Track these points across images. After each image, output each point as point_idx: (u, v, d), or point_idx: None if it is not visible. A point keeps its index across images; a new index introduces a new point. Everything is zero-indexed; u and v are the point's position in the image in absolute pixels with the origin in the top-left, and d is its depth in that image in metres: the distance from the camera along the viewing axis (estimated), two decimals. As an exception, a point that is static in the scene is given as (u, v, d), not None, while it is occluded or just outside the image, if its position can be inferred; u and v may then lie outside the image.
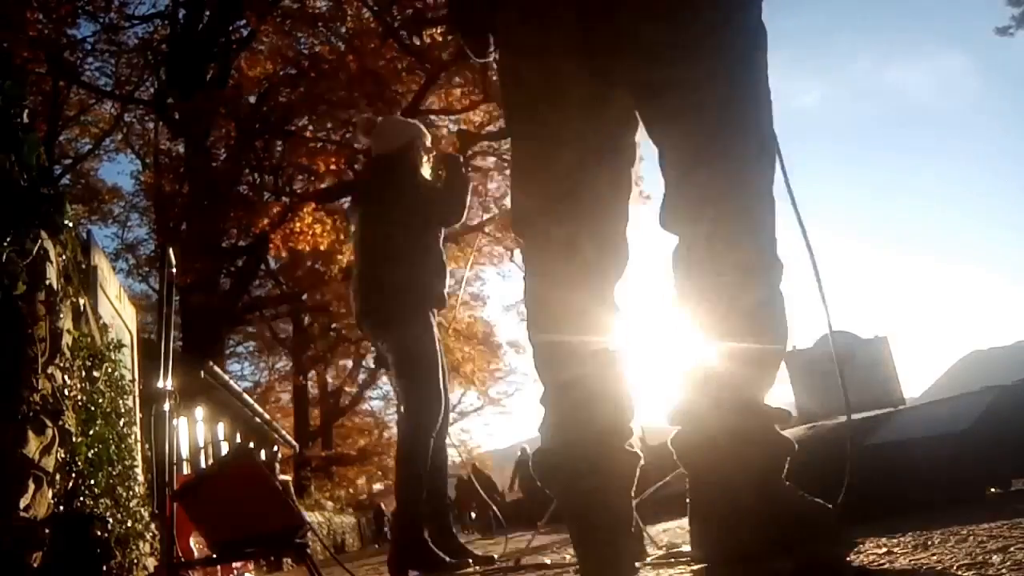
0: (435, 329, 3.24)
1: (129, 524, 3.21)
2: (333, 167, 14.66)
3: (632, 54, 1.39)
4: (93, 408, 3.06)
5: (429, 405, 3.10)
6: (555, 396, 1.43)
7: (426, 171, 3.44)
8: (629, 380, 1.46)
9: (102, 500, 2.91)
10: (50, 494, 2.39)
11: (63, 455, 2.57)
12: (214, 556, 2.89)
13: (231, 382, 11.64)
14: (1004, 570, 0.94)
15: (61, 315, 2.67)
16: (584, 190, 1.44)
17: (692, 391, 1.35)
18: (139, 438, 3.96)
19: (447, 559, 2.98)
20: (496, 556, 3.22)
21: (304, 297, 20.20)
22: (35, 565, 2.21)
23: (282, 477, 10.13)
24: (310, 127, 15.68)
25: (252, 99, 15.58)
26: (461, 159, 3.49)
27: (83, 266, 3.60)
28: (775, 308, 1.34)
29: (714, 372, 1.32)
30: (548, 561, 2.42)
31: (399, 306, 3.16)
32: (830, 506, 1.24)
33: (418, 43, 13.56)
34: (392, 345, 3.19)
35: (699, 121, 1.35)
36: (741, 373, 1.31)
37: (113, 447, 3.20)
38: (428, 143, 3.53)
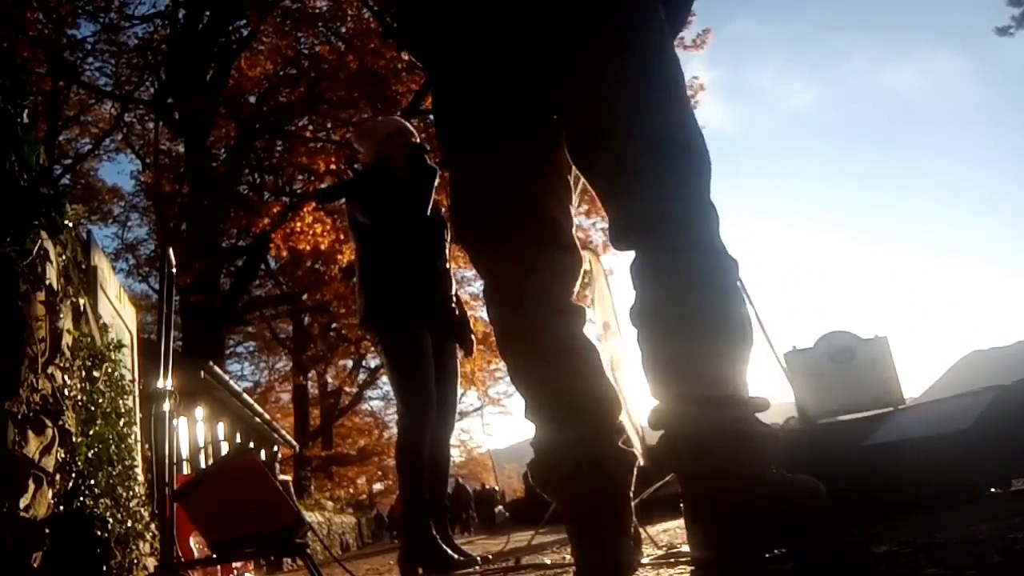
0: (427, 335, 3.23)
1: (129, 524, 3.21)
2: (333, 167, 14.65)
3: (552, 82, 1.42)
4: (93, 408, 3.06)
5: (420, 404, 3.12)
6: (539, 405, 1.44)
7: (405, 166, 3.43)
8: (607, 376, 1.47)
9: (102, 500, 2.91)
10: (50, 494, 2.39)
11: (63, 455, 2.57)
12: (214, 556, 2.90)
13: (231, 382, 11.64)
14: (1004, 570, 0.94)
15: (61, 315, 2.67)
16: (520, 199, 1.46)
17: (668, 394, 1.36)
18: (139, 438, 3.96)
19: (456, 556, 3.01)
20: (491, 556, 3.24)
21: (304, 297, 20.19)
22: (35, 565, 2.21)
23: (282, 477, 10.13)
24: (310, 127, 15.67)
25: (252, 99, 15.57)
26: (426, 148, 3.47)
27: (83, 266, 3.59)
28: (733, 305, 1.36)
29: (687, 372, 1.33)
30: (548, 561, 2.42)
31: (391, 309, 3.20)
32: (822, 485, 1.25)
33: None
34: (384, 347, 3.23)
35: (616, 147, 1.38)
36: (712, 370, 1.32)
37: (113, 447, 3.20)
38: (406, 132, 3.51)
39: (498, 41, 1.44)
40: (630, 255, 1.42)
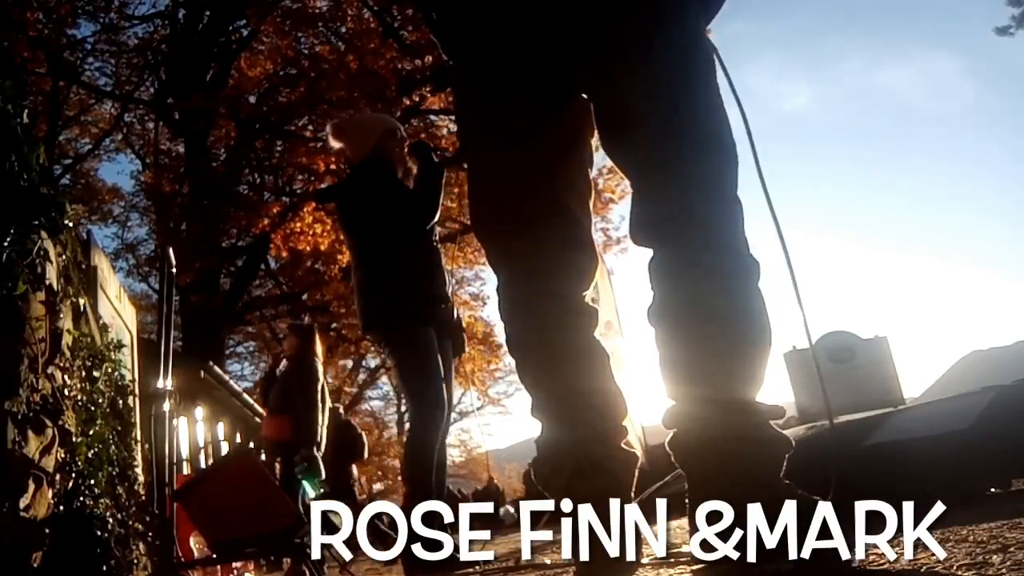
0: (432, 334, 3.20)
1: (129, 524, 3.21)
2: (333, 167, 14.65)
3: (583, 60, 1.40)
4: (93, 408, 3.06)
5: (433, 407, 3.10)
6: (546, 405, 1.44)
7: (403, 164, 3.38)
8: (615, 378, 1.46)
9: (102, 500, 2.90)
10: (50, 494, 2.39)
11: (63, 455, 2.57)
12: (214, 556, 2.90)
13: (231, 382, 11.64)
14: (1004, 570, 0.94)
15: (61, 315, 2.67)
16: (541, 195, 1.45)
17: (684, 395, 1.36)
18: (139, 438, 3.96)
19: (459, 557, 2.99)
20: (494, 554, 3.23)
21: (304, 297, 20.18)
22: (35, 565, 2.21)
23: (282, 477, 10.11)
24: (310, 127, 15.66)
25: (252, 99, 15.56)
26: (430, 145, 3.43)
27: (83, 266, 3.59)
28: (754, 309, 1.35)
29: (704, 375, 1.32)
30: (548, 561, 2.42)
31: (399, 311, 3.16)
32: (829, 503, 1.24)
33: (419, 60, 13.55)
34: (394, 349, 3.19)
35: (648, 133, 1.36)
36: (730, 373, 1.32)
37: (113, 447, 3.20)
38: (400, 134, 3.44)
39: (523, 18, 1.41)
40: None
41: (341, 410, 6.00)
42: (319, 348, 5.34)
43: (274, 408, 5.14)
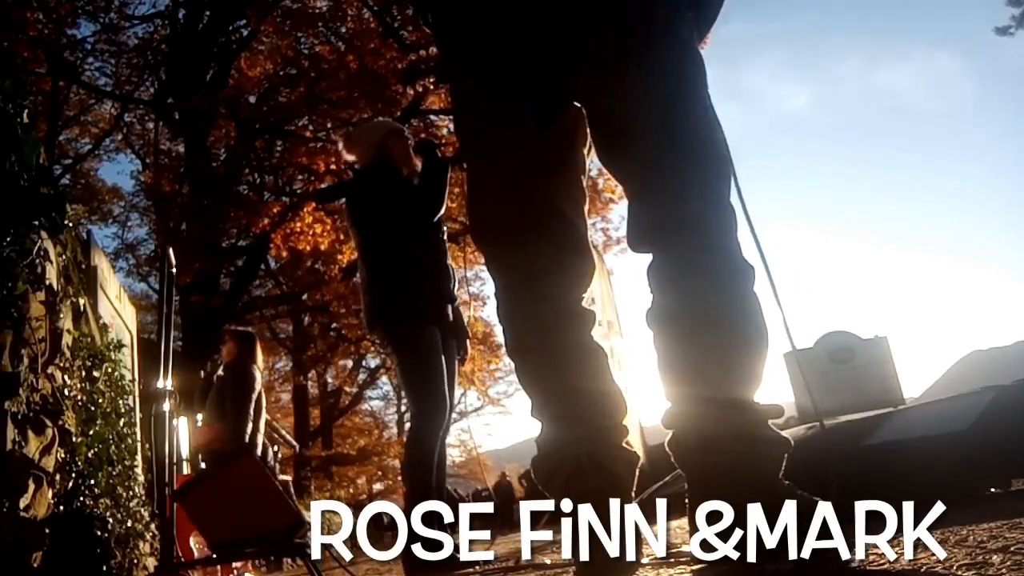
0: (436, 333, 3.20)
1: (129, 524, 3.21)
2: (333, 167, 14.64)
3: (576, 70, 1.42)
4: (93, 408, 3.06)
5: (435, 407, 3.10)
6: (545, 405, 1.45)
7: (409, 164, 3.42)
8: (615, 378, 1.47)
9: (102, 500, 2.90)
10: (50, 494, 2.39)
11: (63, 455, 2.57)
12: (214, 556, 2.90)
13: (231, 382, 11.61)
14: (1004, 570, 0.94)
15: (61, 315, 2.67)
16: (538, 201, 1.47)
17: (683, 395, 1.36)
18: (139, 438, 3.96)
19: (459, 557, 2.99)
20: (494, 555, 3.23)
21: (304, 297, 20.18)
22: (35, 565, 2.21)
23: (282, 477, 10.13)
24: (310, 127, 15.65)
25: (252, 99, 15.56)
26: (435, 143, 3.48)
27: (83, 266, 3.59)
28: (750, 309, 1.37)
29: (701, 376, 1.33)
30: (548, 561, 2.42)
31: (403, 310, 3.16)
32: (829, 503, 1.24)
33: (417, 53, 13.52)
34: (397, 349, 3.19)
35: (642, 143, 1.39)
36: (727, 373, 1.33)
37: (113, 447, 3.20)
38: (404, 134, 3.50)
39: (518, 27, 1.43)
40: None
41: None
42: (259, 356, 5.27)
43: (208, 417, 5.09)
